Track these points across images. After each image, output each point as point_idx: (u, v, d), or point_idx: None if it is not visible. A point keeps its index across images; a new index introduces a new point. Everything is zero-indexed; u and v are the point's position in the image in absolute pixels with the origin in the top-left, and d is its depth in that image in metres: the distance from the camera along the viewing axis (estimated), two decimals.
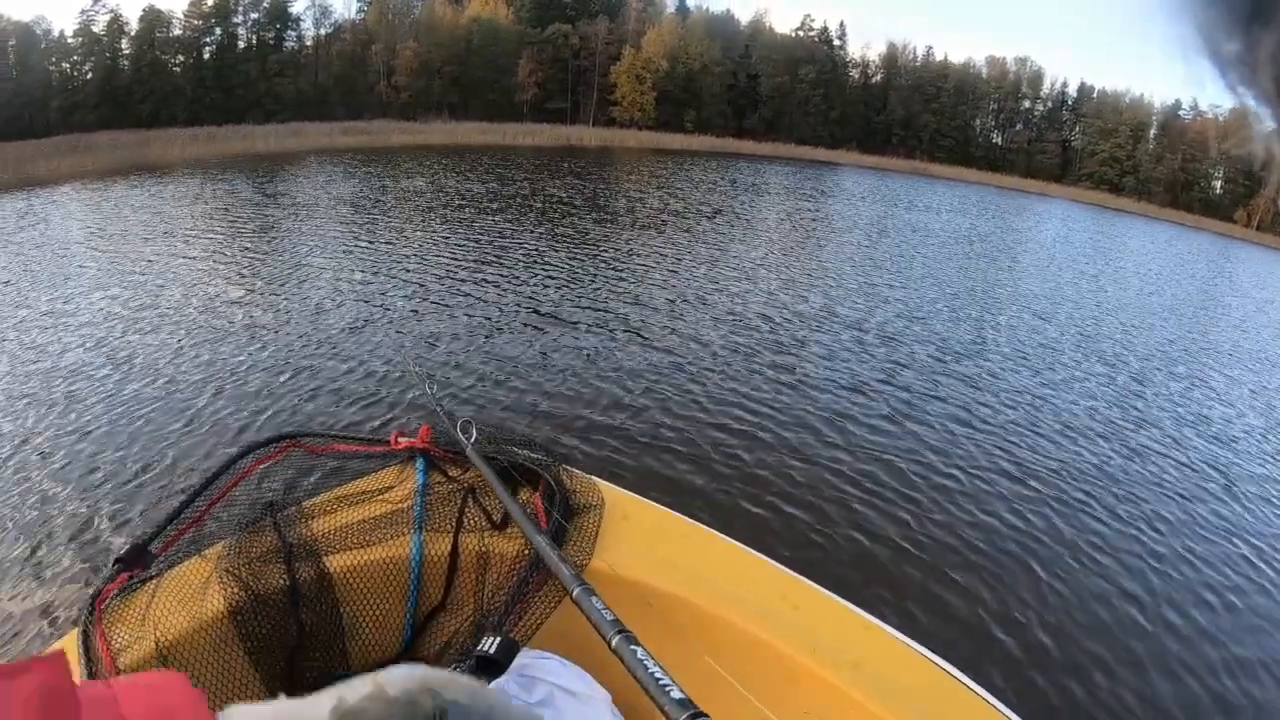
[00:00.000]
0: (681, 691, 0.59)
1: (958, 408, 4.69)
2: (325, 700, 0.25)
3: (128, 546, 1.06)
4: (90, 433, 3.67)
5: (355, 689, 0.26)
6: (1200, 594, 3.02)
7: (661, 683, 0.60)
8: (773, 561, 1.17)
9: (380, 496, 1.23)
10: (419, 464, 1.29)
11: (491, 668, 0.87)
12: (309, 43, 39.84)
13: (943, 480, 3.64)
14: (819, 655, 0.94)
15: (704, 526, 1.26)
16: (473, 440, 1.34)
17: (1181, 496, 3.91)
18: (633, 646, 0.66)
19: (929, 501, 3.40)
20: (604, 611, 0.72)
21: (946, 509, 3.35)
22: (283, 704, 0.25)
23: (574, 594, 0.78)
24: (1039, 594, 2.82)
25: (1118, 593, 2.93)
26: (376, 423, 3.76)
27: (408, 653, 1.15)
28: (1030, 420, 4.65)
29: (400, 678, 0.26)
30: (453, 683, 0.26)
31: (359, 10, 40.78)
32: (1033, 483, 3.74)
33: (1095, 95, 47.21)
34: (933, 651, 1.00)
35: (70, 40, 36.13)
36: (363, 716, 0.25)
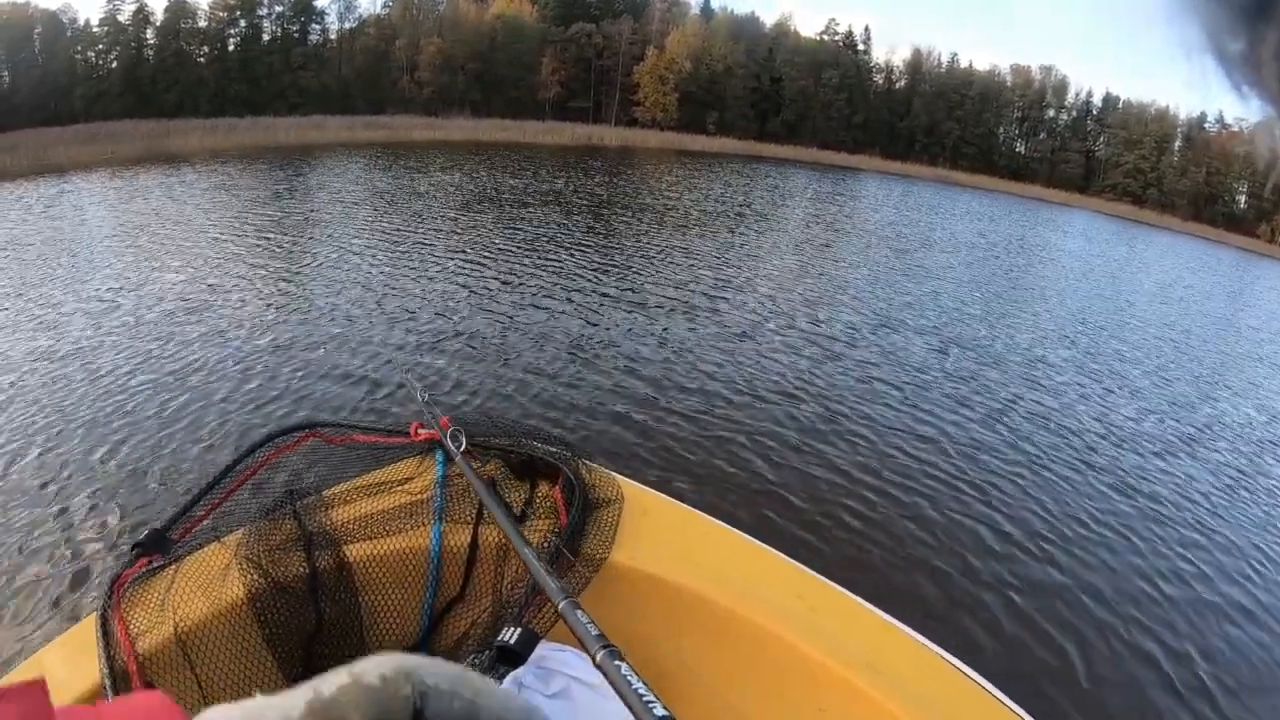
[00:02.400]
0: (665, 709, 0.59)
1: (996, 419, 4.60)
2: (299, 695, 0.25)
3: (147, 532, 1.05)
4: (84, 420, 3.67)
5: (330, 680, 0.26)
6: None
7: (646, 700, 0.61)
8: (792, 560, 1.15)
9: (400, 487, 1.23)
10: (438, 455, 1.27)
11: (511, 659, 0.87)
12: (333, 36, 39.75)
13: (980, 484, 3.59)
14: (836, 654, 0.93)
15: (723, 524, 1.24)
16: (493, 432, 1.35)
17: None
18: (617, 662, 0.65)
19: (961, 507, 3.35)
20: (589, 626, 0.72)
21: (987, 519, 3.29)
22: (255, 702, 0.25)
23: (559, 606, 0.77)
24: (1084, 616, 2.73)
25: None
26: (399, 410, 3.80)
27: (425, 643, 1.15)
28: (1080, 443, 4.46)
29: (375, 664, 0.25)
30: (433, 667, 0.26)
31: (384, 5, 40.71)
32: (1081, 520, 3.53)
33: (1120, 105, 46.80)
34: (953, 655, 0.97)
35: (96, 29, 36.06)
36: (338, 707, 0.24)
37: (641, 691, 0.62)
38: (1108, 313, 9.36)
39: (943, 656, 0.98)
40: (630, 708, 0.61)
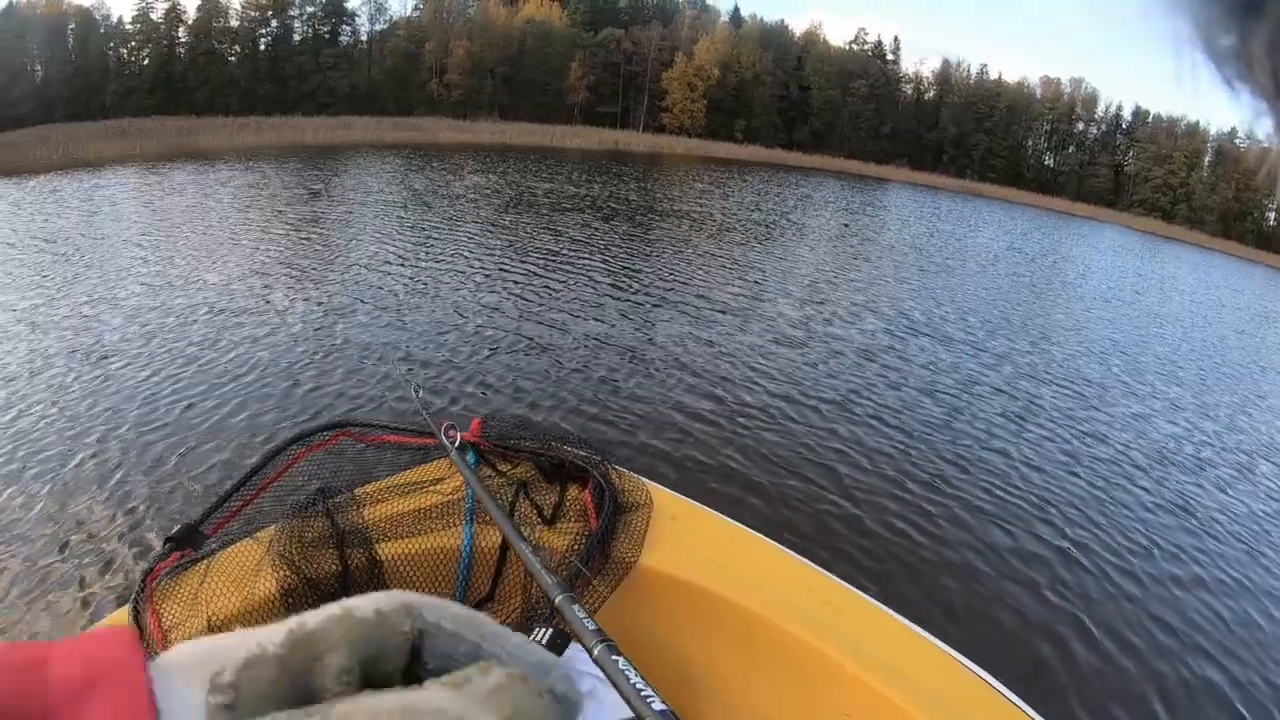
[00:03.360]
0: (663, 702, 0.61)
1: (1032, 434, 4.51)
2: (283, 626, 0.23)
3: (180, 526, 1.06)
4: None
5: (321, 611, 0.24)
6: None
7: (643, 694, 0.61)
8: (819, 568, 1.16)
9: (431, 487, 1.24)
10: (469, 457, 1.29)
11: None
12: (363, 38, 39.74)
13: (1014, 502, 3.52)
14: (861, 659, 0.94)
15: (752, 530, 1.24)
16: (523, 435, 1.36)
17: None
18: (614, 657, 0.67)
19: (997, 523, 3.29)
20: (586, 621, 0.74)
21: (1024, 537, 3.22)
22: (231, 635, 0.24)
23: (556, 601, 0.79)
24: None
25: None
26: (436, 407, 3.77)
27: None
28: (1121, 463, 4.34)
29: (374, 599, 0.23)
30: (440, 604, 0.24)
31: (414, 7, 40.73)
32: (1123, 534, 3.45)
33: (1150, 119, 46.39)
34: (979, 665, 0.97)
35: (128, 26, 36.13)
36: (324, 640, 0.22)
37: (639, 685, 0.62)
38: (1158, 334, 9.00)
39: (968, 666, 0.97)
40: (628, 701, 0.62)
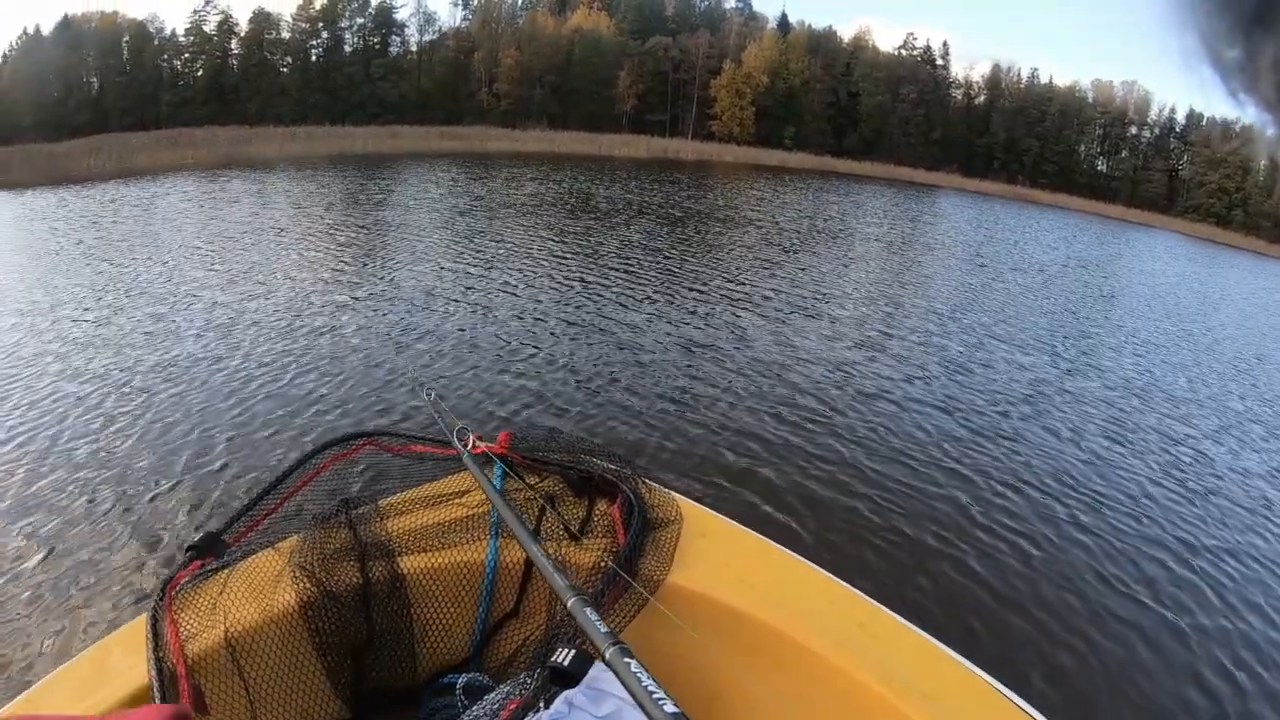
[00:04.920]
0: (676, 706, 0.60)
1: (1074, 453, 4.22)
2: None
3: (201, 535, 1.05)
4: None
5: None
6: None
7: (655, 696, 0.61)
8: (852, 588, 1.11)
9: (456, 500, 1.22)
10: (497, 469, 1.26)
11: (564, 679, 0.88)
12: (413, 48, 39.55)
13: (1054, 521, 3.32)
14: (894, 685, 0.91)
15: (783, 548, 1.21)
16: (552, 448, 1.33)
17: None
18: (626, 660, 0.67)
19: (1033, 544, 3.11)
20: (598, 624, 0.73)
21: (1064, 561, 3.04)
22: None
23: (569, 604, 0.79)
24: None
25: None
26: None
27: (475, 659, 1.13)
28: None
29: None
30: None
31: (463, 18, 40.58)
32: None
33: (1204, 123, 45.43)
34: (1017, 693, 0.94)
35: (182, 39, 36.12)
36: None
37: (652, 689, 0.62)
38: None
39: (1006, 695, 0.93)
40: (640, 705, 0.61)
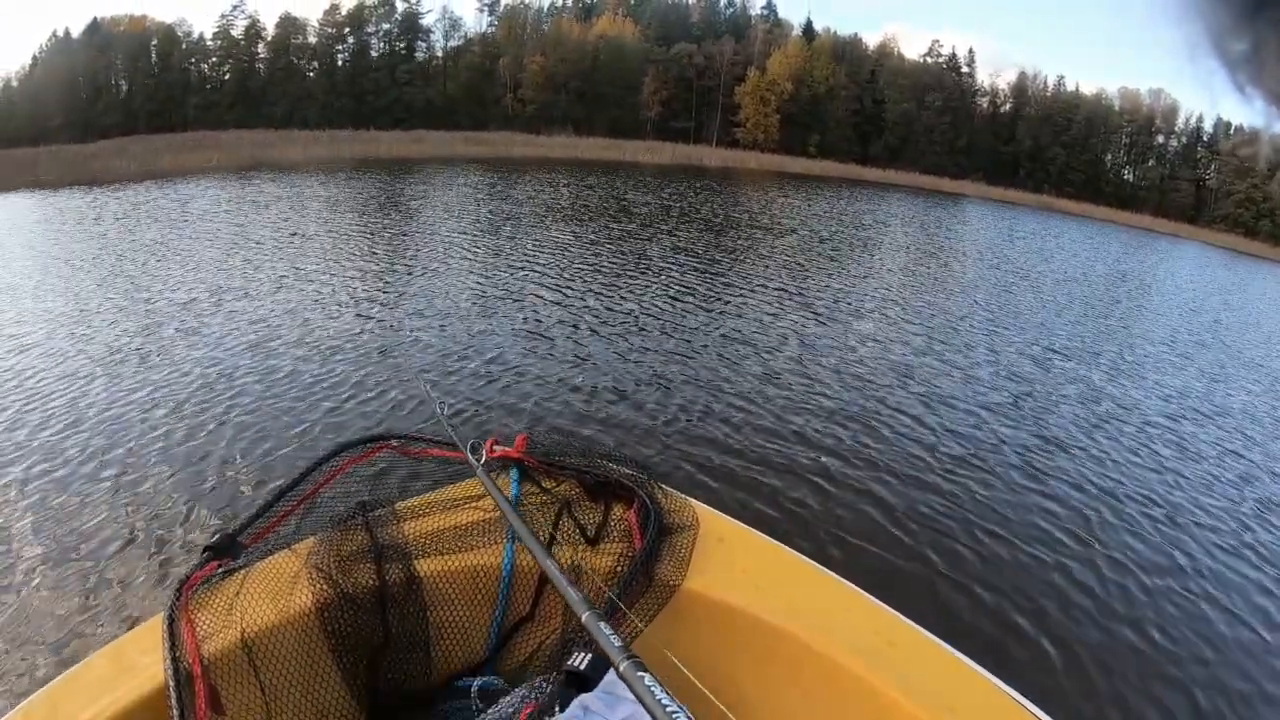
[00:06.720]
0: (690, 718, 0.61)
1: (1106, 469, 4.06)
2: None
3: (218, 535, 1.05)
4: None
5: None
6: None
7: (670, 711, 0.61)
8: (870, 597, 1.10)
9: (473, 504, 1.22)
10: (513, 474, 1.26)
11: (580, 683, 0.88)
12: (439, 54, 39.49)
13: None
14: (913, 695, 0.90)
15: (800, 555, 1.19)
16: (569, 452, 1.33)
17: None
18: (640, 673, 0.66)
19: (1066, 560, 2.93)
20: (612, 638, 0.73)
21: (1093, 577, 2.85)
22: None
23: (583, 618, 0.79)
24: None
25: None
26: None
27: (491, 662, 1.13)
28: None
29: None
30: None
31: (489, 24, 40.53)
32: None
33: (1232, 132, 44.98)
34: (1044, 710, 0.93)
35: (209, 42, 36.12)
36: None
37: (665, 702, 0.62)
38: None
39: (1027, 707, 0.93)
40: (654, 718, 0.62)
